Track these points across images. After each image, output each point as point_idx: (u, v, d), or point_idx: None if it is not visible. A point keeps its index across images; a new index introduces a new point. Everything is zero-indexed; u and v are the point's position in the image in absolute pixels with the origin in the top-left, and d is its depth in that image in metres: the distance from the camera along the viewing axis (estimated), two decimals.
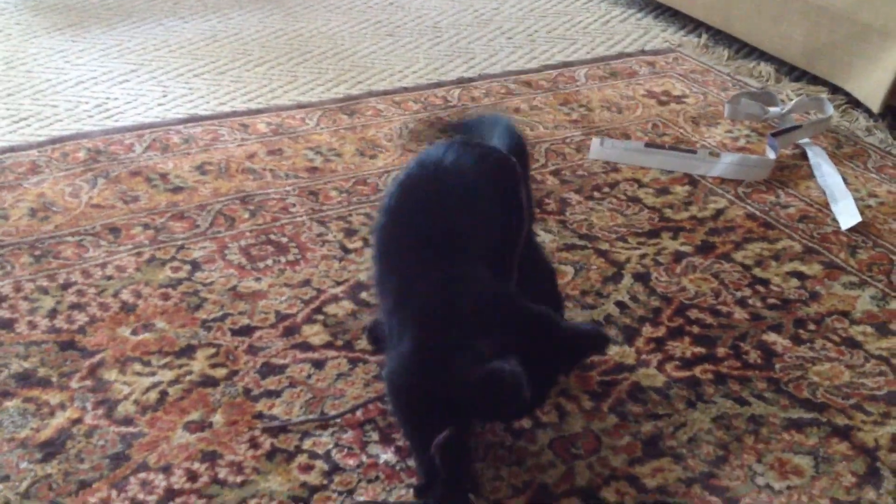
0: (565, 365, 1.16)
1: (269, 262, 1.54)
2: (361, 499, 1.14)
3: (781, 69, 2.32)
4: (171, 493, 1.13)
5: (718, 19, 2.45)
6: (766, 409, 1.29)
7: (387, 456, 1.19)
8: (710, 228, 1.68)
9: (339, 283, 1.50)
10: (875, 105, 2.05)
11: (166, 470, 1.16)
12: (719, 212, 1.74)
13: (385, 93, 2.13)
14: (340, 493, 1.14)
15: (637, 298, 1.49)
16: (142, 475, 1.15)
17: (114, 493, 1.13)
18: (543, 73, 2.26)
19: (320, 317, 1.42)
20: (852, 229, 1.69)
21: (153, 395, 1.27)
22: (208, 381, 1.30)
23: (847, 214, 1.71)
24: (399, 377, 1.12)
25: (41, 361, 1.32)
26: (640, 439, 1.23)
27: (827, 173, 1.85)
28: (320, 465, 1.18)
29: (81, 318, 1.40)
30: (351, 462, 1.18)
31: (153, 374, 1.31)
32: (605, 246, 1.61)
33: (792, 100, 2.12)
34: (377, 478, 1.16)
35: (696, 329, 1.43)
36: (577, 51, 2.43)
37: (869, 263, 1.61)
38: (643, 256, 1.59)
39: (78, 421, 1.22)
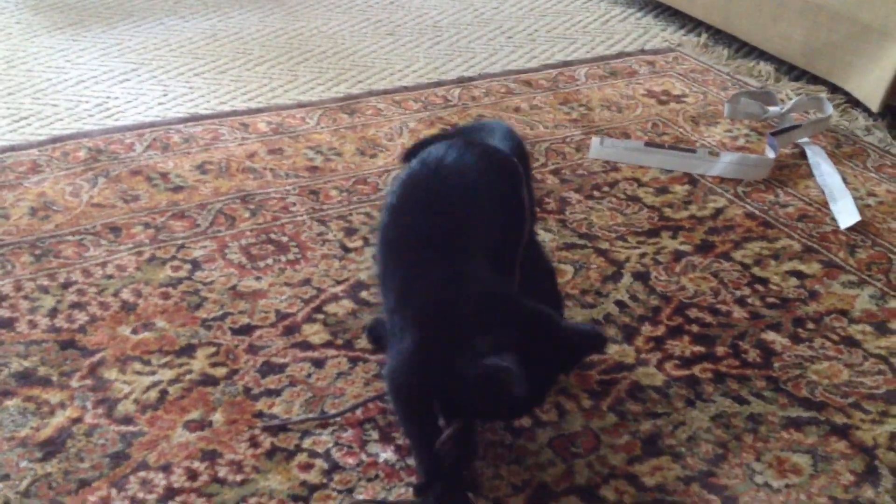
0: (565, 364, 1.17)
1: (270, 261, 1.54)
2: (361, 497, 1.14)
3: (781, 68, 2.32)
4: (171, 491, 1.14)
5: (718, 19, 2.45)
6: (764, 407, 1.29)
7: (386, 455, 1.20)
8: (709, 227, 1.69)
9: (339, 283, 1.50)
10: (874, 104, 2.05)
11: (166, 469, 1.16)
12: (719, 211, 1.74)
13: (385, 92, 2.13)
14: (340, 492, 1.15)
15: (636, 297, 1.50)
16: (142, 474, 1.16)
17: (114, 491, 1.13)
18: (543, 72, 2.27)
19: (320, 316, 1.43)
20: (851, 228, 1.69)
21: (153, 394, 1.27)
22: (208, 380, 1.30)
23: (846, 214, 1.71)
24: (400, 375, 1.12)
25: (41, 360, 1.32)
26: (640, 438, 1.24)
27: (826, 172, 1.85)
28: (320, 463, 1.18)
29: (82, 317, 1.40)
30: (351, 461, 1.19)
31: (153, 373, 1.31)
32: (604, 245, 1.62)
33: (791, 99, 2.12)
34: (377, 476, 1.17)
35: (695, 328, 1.44)
36: (577, 50, 2.43)
37: (868, 262, 1.61)
38: (643, 255, 1.60)
39: (78, 420, 1.23)
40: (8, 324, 1.38)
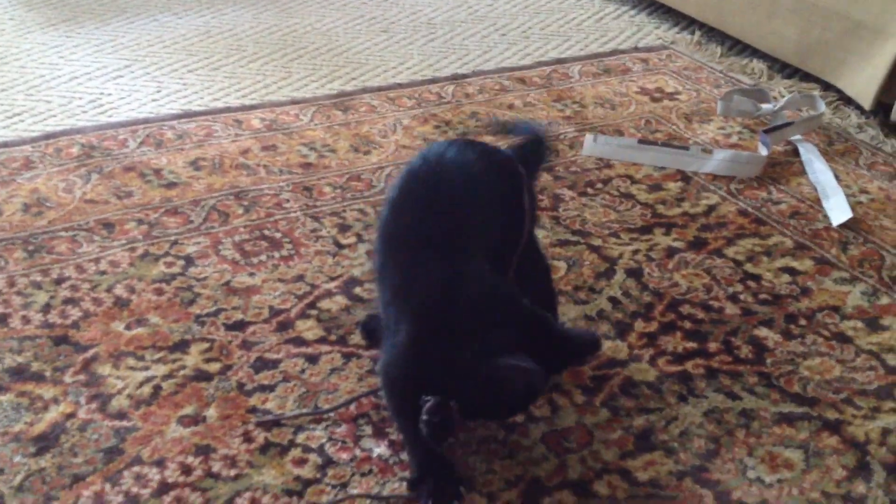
0: (558, 367, 1.18)
1: (263, 257, 1.54)
2: (355, 492, 1.14)
3: (774, 66, 2.33)
4: (165, 486, 1.14)
5: (711, 16, 2.46)
6: (757, 403, 1.30)
7: (380, 450, 1.20)
8: (702, 224, 1.69)
9: (332, 279, 1.50)
10: (866, 102, 2.06)
11: (160, 464, 1.17)
12: (711, 208, 1.74)
13: (379, 89, 2.13)
14: (334, 487, 1.15)
15: (629, 294, 1.50)
16: (136, 469, 1.16)
17: (108, 486, 1.13)
18: (537, 69, 2.27)
19: (314, 312, 1.43)
20: (843, 225, 1.69)
21: (147, 390, 1.27)
22: (202, 376, 1.30)
23: (838, 211, 1.72)
24: (394, 369, 1.12)
25: (35, 356, 1.32)
26: (632, 433, 1.24)
27: (818, 170, 1.85)
28: (314, 458, 1.18)
29: (75, 312, 1.40)
30: (344, 456, 1.19)
31: (147, 368, 1.31)
32: (597, 242, 1.62)
33: (784, 97, 2.13)
34: (370, 471, 1.17)
35: (687, 324, 1.44)
36: (571, 47, 2.44)
37: (860, 259, 1.62)
38: (636, 252, 1.60)
39: (71, 415, 1.23)
40: (1, 319, 1.38)
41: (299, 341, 1.37)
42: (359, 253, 1.56)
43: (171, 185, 1.72)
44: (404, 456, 1.18)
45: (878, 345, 1.42)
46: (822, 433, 1.26)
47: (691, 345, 1.40)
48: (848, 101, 2.14)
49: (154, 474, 1.15)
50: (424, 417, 1.06)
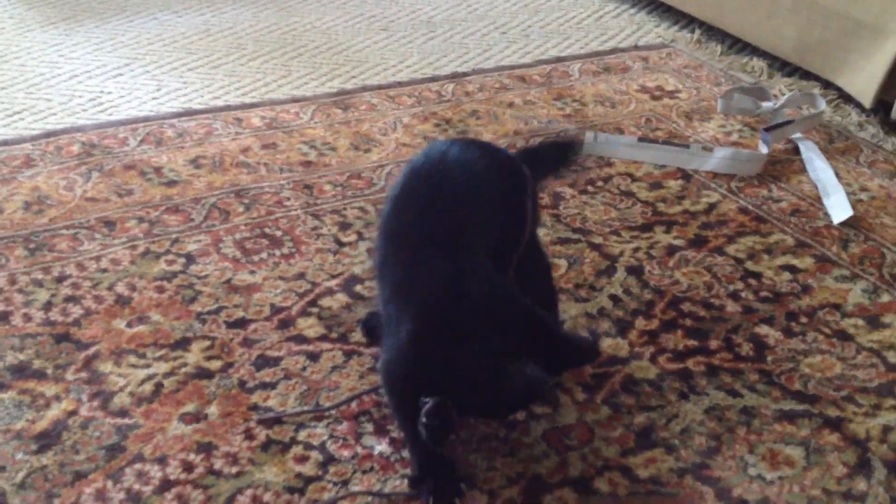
0: (555, 370, 1.18)
1: (264, 255, 1.55)
2: (356, 489, 1.14)
3: (774, 64, 2.33)
4: (166, 483, 1.14)
5: (711, 15, 2.46)
6: (758, 400, 1.30)
7: (381, 447, 1.20)
8: (702, 222, 1.69)
9: (333, 277, 1.50)
10: (867, 100, 2.06)
11: (162, 461, 1.17)
12: (712, 206, 1.74)
13: (379, 87, 2.13)
14: (335, 484, 1.15)
15: (630, 291, 1.50)
16: (137, 466, 1.16)
17: (109, 483, 1.13)
18: (537, 67, 2.27)
19: (315, 310, 1.43)
20: (844, 223, 1.70)
21: (148, 387, 1.28)
22: (203, 374, 1.30)
23: (839, 208, 1.72)
24: (394, 367, 1.13)
25: (36, 353, 1.32)
26: (633, 430, 1.24)
27: (819, 168, 1.86)
28: (315, 456, 1.19)
29: (76, 310, 1.40)
30: (346, 453, 1.19)
31: (148, 366, 1.31)
32: (598, 240, 1.62)
33: (784, 95, 2.13)
34: (372, 469, 1.17)
35: (688, 322, 1.44)
36: (571, 46, 2.44)
37: (860, 257, 1.62)
38: (636, 250, 1.60)
39: (73, 413, 1.23)
40: (2, 317, 1.38)
41: (300, 339, 1.37)
42: (360, 251, 1.56)
43: (171, 184, 1.72)
44: (405, 453, 1.18)
45: (878, 342, 1.42)
46: (822, 430, 1.26)
47: (692, 342, 1.40)
48: (848, 99, 2.14)
49: (156, 471, 1.15)
50: (423, 420, 1.06)
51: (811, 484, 1.18)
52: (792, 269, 1.58)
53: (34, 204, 1.64)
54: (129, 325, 1.38)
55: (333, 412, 1.25)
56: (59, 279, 1.46)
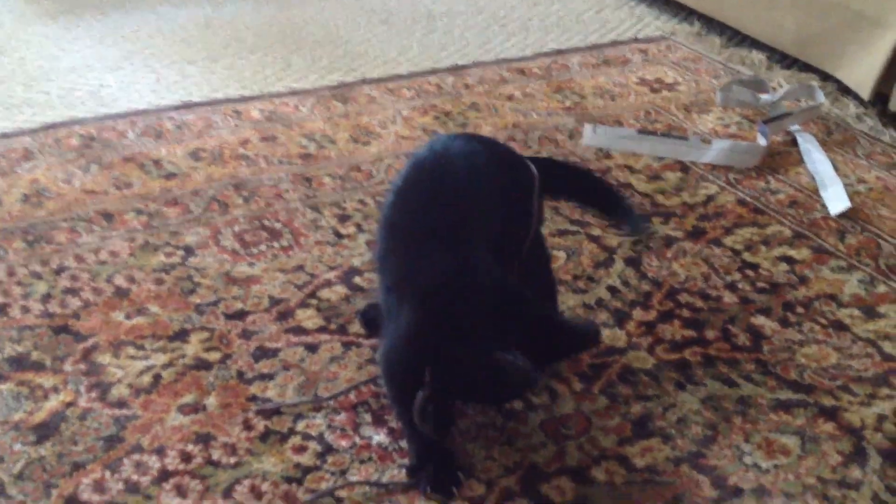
0: (557, 357, 1.19)
1: (263, 247, 1.55)
2: (354, 479, 1.15)
3: (773, 57, 2.33)
4: (165, 473, 1.14)
5: (711, 7, 2.45)
6: (754, 390, 1.30)
7: (379, 437, 1.20)
8: (700, 214, 1.69)
9: (332, 269, 1.51)
10: (865, 92, 2.06)
11: (160, 451, 1.17)
12: (710, 198, 1.75)
13: (379, 80, 2.14)
14: (333, 474, 1.15)
15: (628, 283, 1.51)
16: (136, 457, 1.16)
17: (108, 474, 1.14)
18: (537, 60, 2.27)
19: (314, 301, 1.43)
20: (841, 215, 1.70)
21: (147, 379, 1.28)
22: (202, 365, 1.31)
23: (836, 200, 1.72)
24: (394, 356, 1.13)
25: (35, 345, 1.32)
26: (630, 420, 1.25)
27: (817, 160, 1.86)
28: (313, 446, 1.19)
29: (75, 302, 1.41)
30: (344, 443, 1.20)
31: (147, 357, 1.32)
32: (596, 231, 1.62)
33: (783, 87, 2.13)
34: (370, 458, 1.18)
35: (686, 312, 1.45)
36: (571, 38, 2.44)
37: (857, 248, 1.62)
38: (635, 242, 1.60)
39: (71, 404, 1.23)
40: (1, 309, 1.38)
41: (299, 330, 1.38)
42: (358, 243, 1.57)
43: (170, 176, 1.73)
44: (403, 443, 1.19)
45: (874, 332, 1.42)
46: (818, 419, 1.26)
47: (689, 333, 1.40)
48: (846, 91, 2.14)
49: (154, 462, 1.16)
50: (418, 409, 1.06)
51: (806, 472, 1.18)
52: (789, 261, 1.58)
53: (33, 196, 1.65)
54: (128, 316, 1.39)
55: (332, 403, 1.25)
56: (58, 271, 1.47)
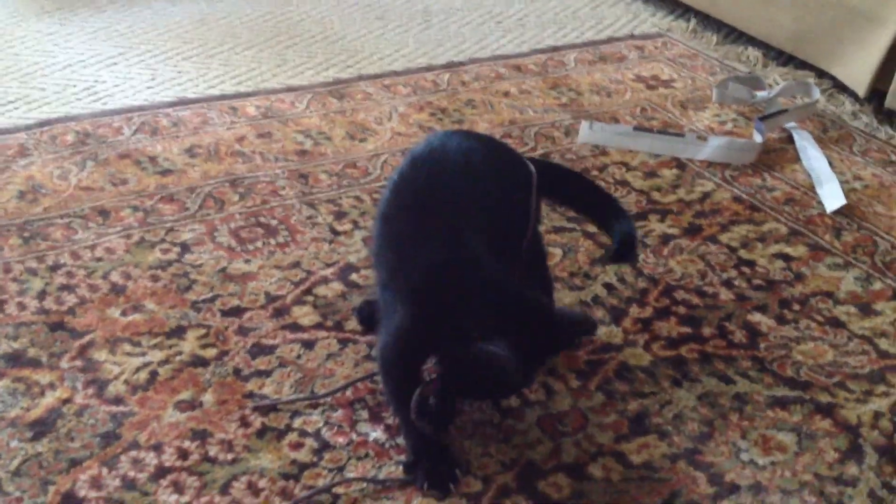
0: (554, 349, 1.19)
1: (259, 244, 1.55)
2: (351, 476, 1.15)
3: (769, 54, 2.33)
4: (161, 470, 1.14)
5: (707, 4, 2.45)
6: (750, 387, 1.31)
7: (376, 434, 1.20)
8: (696, 211, 1.70)
9: (328, 265, 1.51)
10: (861, 89, 2.06)
11: (157, 448, 1.17)
12: (706, 195, 1.75)
13: (375, 76, 2.13)
14: (330, 471, 1.15)
15: (624, 280, 1.51)
16: (133, 453, 1.16)
17: (105, 470, 1.14)
18: (533, 57, 2.27)
19: (310, 298, 1.43)
20: (837, 212, 1.70)
21: (143, 375, 1.28)
22: (198, 362, 1.31)
23: (832, 197, 1.73)
24: (391, 352, 1.13)
25: (31, 342, 1.32)
26: (627, 417, 1.25)
27: (813, 157, 1.86)
28: (310, 443, 1.19)
29: (71, 299, 1.40)
30: (341, 440, 1.19)
31: (143, 354, 1.31)
32: (592, 228, 1.62)
33: (779, 84, 2.13)
34: (367, 455, 1.18)
35: (682, 309, 1.45)
36: (567, 35, 2.44)
37: (853, 245, 1.62)
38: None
39: (68, 400, 1.23)
40: None
41: (295, 327, 1.38)
42: (355, 240, 1.57)
43: (166, 173, 1.72)
44: (400, 440, 1.19)
45: (870, 329, 1.43)
46: (814, 416, 1.26)
47: (685, 330, 1.41)
48: (842, 88, 2.15)
49: (151, 458, 1.16)
50: (415, 406, 1.06)
51: (803, 469, 1.19)
52: (785, 258, 1.58)
53: (28, 193, 1.64)
54: (124, 313, 1.38)
55: (328, 399, 1.25)
56: (54, 268, 1.46)
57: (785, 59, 2.32)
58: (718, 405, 1.27)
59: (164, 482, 1.13)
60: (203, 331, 1.36)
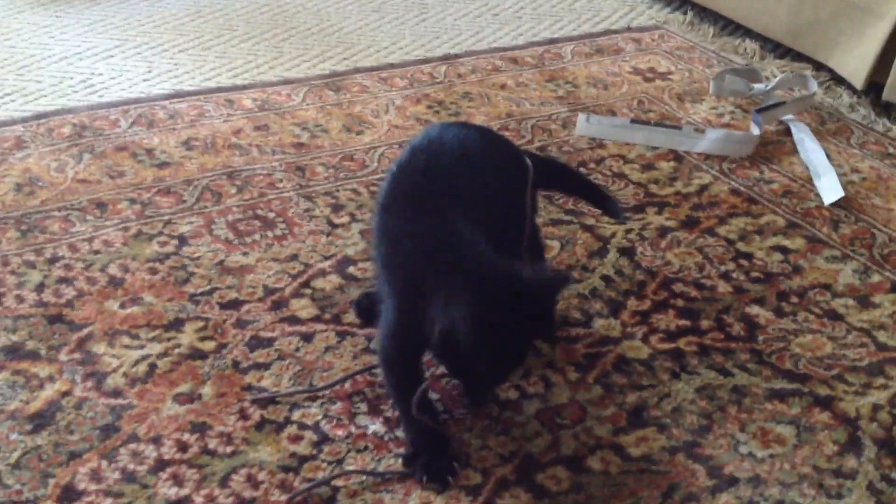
0: (534, 314, 1.13)
1: (257, 236, 1.54)
2: (350, 468, 1.15)
3: (766, 46, 2.33)
4: (161, 463, 1.14)
5: None
6: (749, 379, 1.31)
7: (375, 426, 1.20)
8: (694, 204, 1.70)
9: (326, 258, 1.50)
10: (858, 82, 2.06)
11: (156, 441, 1.17)
12: (704, 187, 1.75)
13: (371, 69, 2.13)
14: (330, 463, 1.15)
15: (622, 272, 1.51)
16: (132, 446, 1.16)
17: (104, 463, 1.14)
18: (530, 49, 2.27)
19: (308, 291, 1.43)
20: (835, 204, 1.70)
21: (142, 368, 1.28)
22: (197, 354, 1.30)
23: (830, 190, 1.73)
24: (387, 345, 1.13)
25: (29, 335, 1.32)
26: (625, 409, 1.25)
27: (810, 149, 1.86)
28: (309, 435, 1.19)
29: (69, 292, 1.40)
30: (340, 433, 1.20)
31: (142, 346, 1.31)
32: (590, 221, 1.62)
33: (776, 76, 2.13)
34: (366, 448, 1.18)
35: (680, 302, 1.45)
36: (564, 27, 2.43)
37: (851, 238, 1.63)
38: (628, 231, 1.61)
39: (67, 393, 1.23)
40: None
41: (294, 320, 1.37)
42: (352, 232, 1.57)
43: (163, 165, 1.72)
44: (399, 433, 1.19)
45: (868, 322, 1.43)
46: (813, 409, 1.27)
47: (684, 322, 1.41)
48: (840, 80, 2.15)
49: (150, 451, 1.16)
50: (416, 401, 1.06)
51: (802, 462, 1.19)
52: (783, 250, 1.58)
53: (25, 185, 1.64)
54: (123, 306, 1.38)
55: (327, 392, 1.25)
56: (52, 260, 1.46)
57: (782, 51, 2.32)
58: (717, 398, 1.27)
59: (163, 475, 1.13)
60: (201, 323, 1.36)
